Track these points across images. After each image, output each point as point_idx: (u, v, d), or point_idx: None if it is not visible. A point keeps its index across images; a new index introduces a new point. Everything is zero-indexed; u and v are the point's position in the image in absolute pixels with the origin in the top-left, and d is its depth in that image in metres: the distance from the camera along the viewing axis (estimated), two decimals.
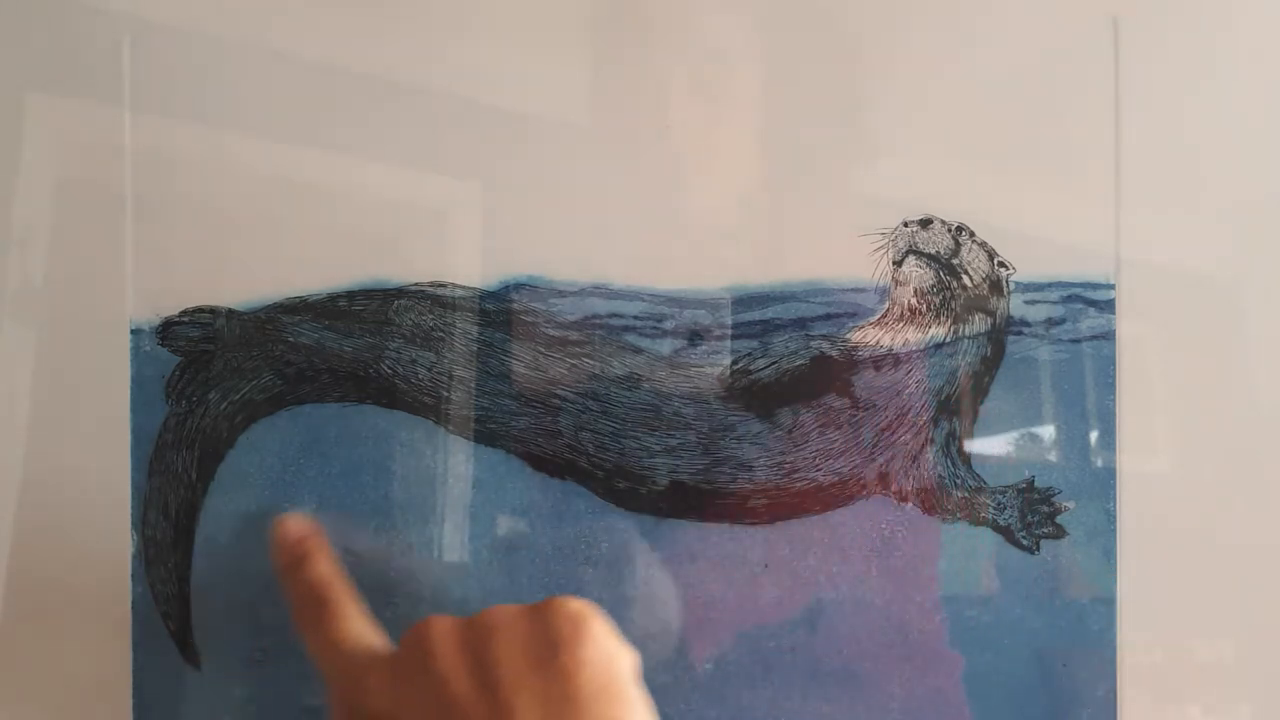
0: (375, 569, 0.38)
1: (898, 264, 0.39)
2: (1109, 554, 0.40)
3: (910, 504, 0.39)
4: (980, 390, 0.40)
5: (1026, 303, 0.40)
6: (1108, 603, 0.39)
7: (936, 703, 0.39)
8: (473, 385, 0.38)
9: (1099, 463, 0.40)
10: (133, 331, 0.37)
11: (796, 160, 0.39)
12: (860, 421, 0.39)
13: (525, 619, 0.30)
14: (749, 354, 0.39)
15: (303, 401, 0.38)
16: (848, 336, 0.39)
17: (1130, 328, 0.40)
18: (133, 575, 0.37)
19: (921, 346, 0.39)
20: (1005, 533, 0.40)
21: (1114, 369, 0.40)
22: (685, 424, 0.39)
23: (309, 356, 0.38)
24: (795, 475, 0.39)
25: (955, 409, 0.39)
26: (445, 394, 0.38)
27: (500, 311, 0.38)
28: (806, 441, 0.39)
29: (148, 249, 0.37)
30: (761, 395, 0.39)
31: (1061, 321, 0.40)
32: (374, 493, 0.38)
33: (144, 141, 0.37)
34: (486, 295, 0.38)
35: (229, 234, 0.37)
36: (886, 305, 0.39)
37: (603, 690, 0.28)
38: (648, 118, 0.39)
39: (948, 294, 0.39)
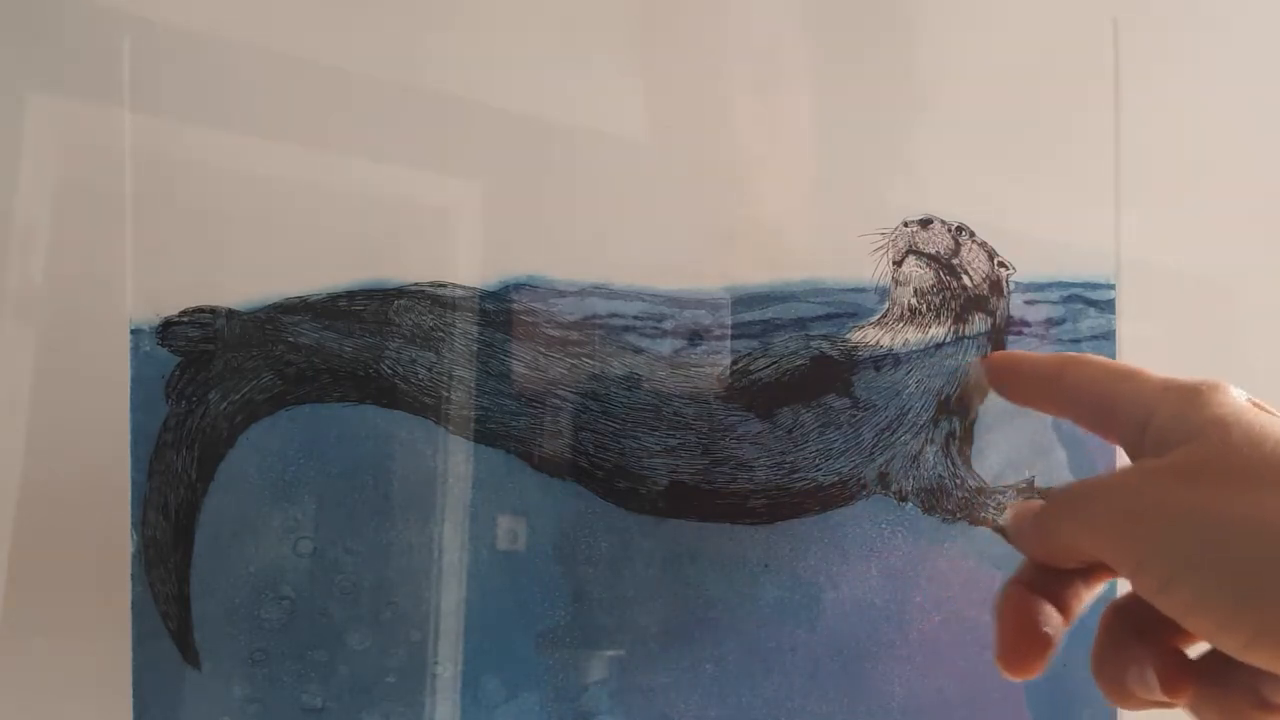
0: (375, 569, 0.38)
1: (898, 264, 0.39)
2: None
3: (910, 504, 0.39)
4: (980, 390, 0.40)
5: (1026, 303, 0.40)
6: (1108, 602, 0.39)
7: (936, 703, 0.39)
8: (473, 385, 0.38)
9: (1099, 463, 0.40)
10: (133, 331, 0.37)
11: (796, 161, 0.39)
12: (860, 421, 0.39)
13: None
14: (749, 354, 0.39)
15: (303, 401, 0.38)
16: (848, 336, 0.39)
17: (1130, 328, 0.40)
18: (133, 575, 0.37)
19: (921, 346, 0.39)
20: (1005, 533, 0.40)
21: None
22: (685, 424, 0.39)
23: (309, 356, 0.38)
24: (795, 475, 0.39)
25: (955, 409, 0.39)
26: (445, 394, 0.38)
27: (500, 311, 0.38)
28: (806, 441, 0.39)
29: (148, 249, 0.37)
30: (761, 395, 0.39)
31: (1061, 321, 0.40)
32: (374, 493, 0.38)
33: (144, 141, 0.37)
34: (486, 295, 0.38)
35: (229, 234, 0.37)
36: (886, 305, 0.39)
37: None
38: (648, 118, 0.39)
39: (948, 294, 0.39)
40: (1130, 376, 0.29)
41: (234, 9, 0.37)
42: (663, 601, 0.39)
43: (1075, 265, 0.40)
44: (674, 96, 0.39)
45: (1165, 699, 0.26)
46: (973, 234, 0.39)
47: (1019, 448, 0.40)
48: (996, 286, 0.40)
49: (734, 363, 0.39)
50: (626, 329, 0.39)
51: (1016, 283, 0.40)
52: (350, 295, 0.38)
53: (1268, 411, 0.26)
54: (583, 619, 0.38)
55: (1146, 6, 0.40)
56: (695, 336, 0.39)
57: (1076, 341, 0.40)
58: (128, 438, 0.37)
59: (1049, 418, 0.40)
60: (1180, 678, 0.26)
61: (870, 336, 0.39)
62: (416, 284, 0.38)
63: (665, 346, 0.39)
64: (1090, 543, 0.26)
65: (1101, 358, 0.31)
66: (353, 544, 0.38)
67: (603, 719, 0.39)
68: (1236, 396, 0.26)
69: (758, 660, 0.39)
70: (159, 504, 0.37)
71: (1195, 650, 0.27)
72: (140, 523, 0.37)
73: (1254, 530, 0.22)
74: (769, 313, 0.39)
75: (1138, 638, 0.27)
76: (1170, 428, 0.26)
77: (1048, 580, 0.30)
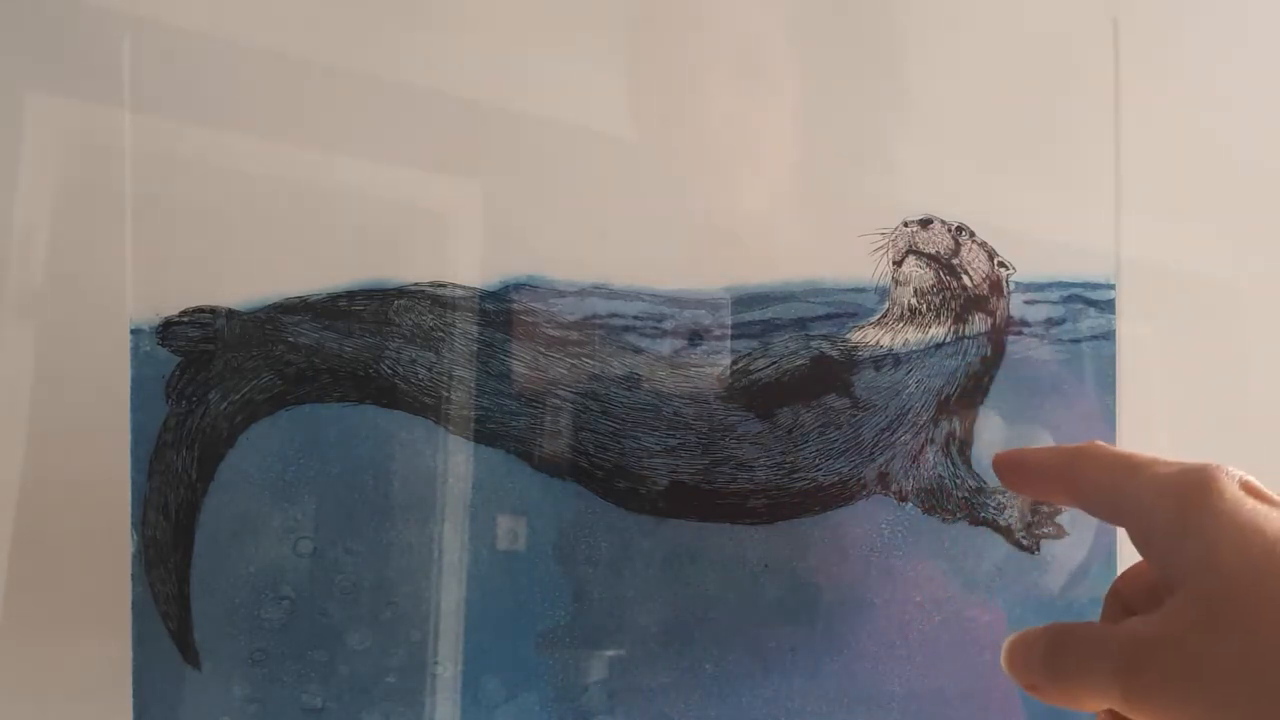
0: (375, 569, 0.38)
1: (898, 264, 0.39)
2: (1109, 554, 0.40)
3: (910, 504, 0.39)
4: (980, 390, 0.40)
5: (1026, 303, 0.40)
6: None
7: (936, 703, 0.39)
8: (473, 385, 0.38)
9: None
10: (133, 331, 0.37)
11: (797, 161, 0.39)
12: (860, 421, 0.39)
13: None
14: (749, 354, 0.39)
15: (303, 401, 0.38)
16: (848, 336, 0.39)
17: (1130, 328, 0.40)
18: (133, 575, 0.37)
19: (921, 346, 0.39)
20: (1005, 533, 0.40)
21: (1114, 369, 0.40)
22: (685, 424, 0.39)
23: (309, 356, 0.38)
24: (795, 475, 0.39)
25: (955, 409, 0.39)
26: (445, 394, 0.38)
27: (500, 311, 0.38)
28: (806, 441, 0.39)
29: (148, 249, 0.37)
30: (761, 395, 0.39)
31: (1061, 321, 0.40)
32: (374, 493, 0.38)
33: (144, 141, 0.37)
34: (486, 295, 0.38)
35: (229, 234, 0.37)
36: (886, 305, 0.39)
37: None
38: (647, 118, 0.39)
39: (948, 294, 0.39)
40: (1132, 473, 0.29)
41: (234, 9, 0.37)
42: (663, 601, 0.39)
43: (1075, 265, 0.40)
44: (674, 96, 0.39)
45: None
46: (973, 234, 0.39)
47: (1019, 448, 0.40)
48: (996, 286, 0.40)
49: (734, 363, 0.39)
50: (626, 329, 0.39)
51: (1016, 283, 0.40)
52: (350, 295, 0.38)
53: (1265, 499, 0.26)
54: (583, 619, 0.38)
55: (1146, 6, 0.40)
56: (695, 336, 0.39)
57: (1076, 341, 0.40)
58: (128, 438, 0.37)
59: (1050, 417, 0.40)
60: None
61: (870, 336, 0.39)
62: (416, 284, 0.38)
63: (665, 346, 0.39)
64: (1107, 704, 0.27)
65: (1108, 449, 0.30)
66: (353, 544, 0.38)
67: (602, 719, 0.39)
68: (1228, 501, 0.26)
69: (758, 660, 0.39)
70: (159, 504, 0.37)
71: None
72: (140, 523, 0.37)
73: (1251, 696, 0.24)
74: (769, 313, 0.39)
75: None
76: (1166, 559, 0.27)
77: None
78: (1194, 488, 0.27)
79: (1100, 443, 0.31)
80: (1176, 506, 0.27)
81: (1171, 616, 0.26)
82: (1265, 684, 0.24)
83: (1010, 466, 0.33)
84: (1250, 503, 0.26)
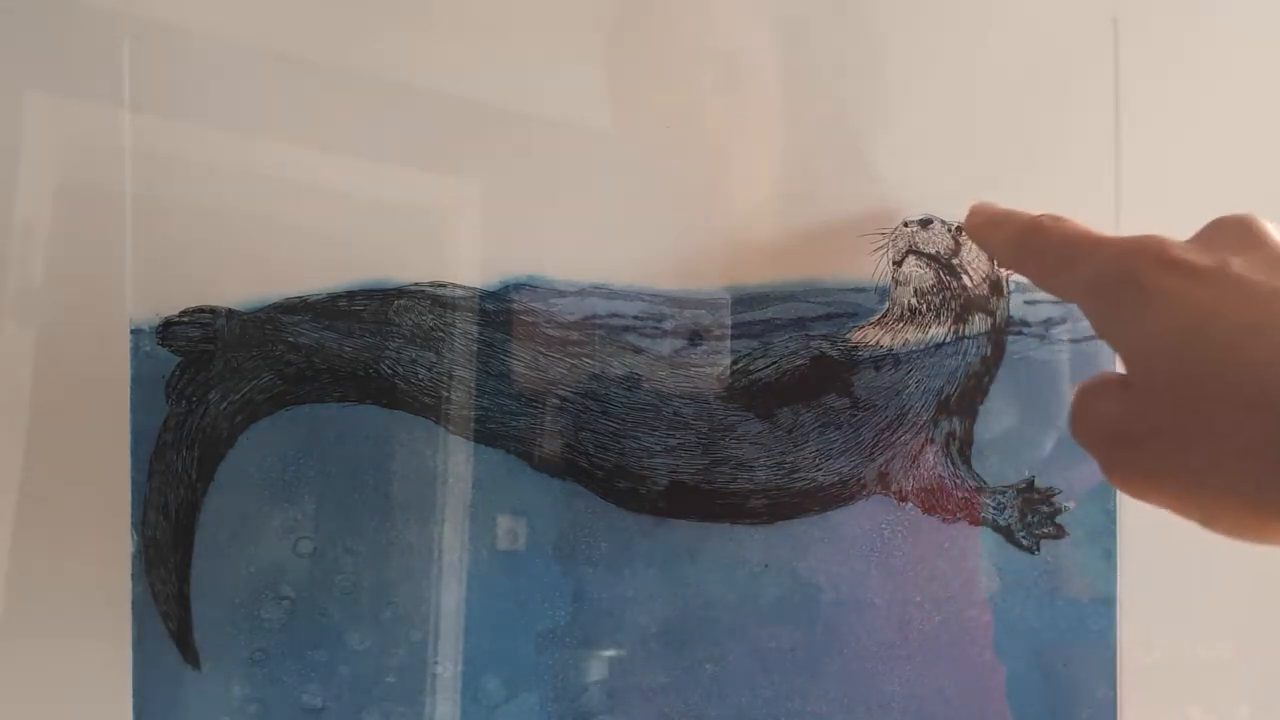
0: (375, 569, 0.38)
1: (898, 264, 0.39)
2: (1109, 554, 0.40)
3: (910, 504, 0.39)
4: (980, 390, 0.40)
5: (1026, 303, 0.40)
6: (1108, 603, 0.40)
7: (936, 703, 0.39)
8: (473, 385, 0.38)
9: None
10: (133, 331, 0.37)
11: (797, 160, 0.39)
12: (860, 421, 0.39)
13: None
14: (749, 354, 0.39)
15: (303, 401, 0.38)
16: (848, 336, 0.39)
17: None
18: (133, 575, 0.37)
19: (921, 346, 0.39)
20: (1005, 533, 0.40)
21: (1114, 369, 0.40)
22: (685, 424, 0.39)
23: (309, 356, 0.38)
24: (795, 475, 0.39)
25: (955, 409, 0.39)
26: (445, 394, 0.38)
27: (500, 311, 0.38)
28: (806, 441, 0.39)
29: (148, 249, 0.37)
30: (761, 395, 0.39)
31: (1061, 321, 0.40)
32: (374, 493, 0.38)
33: (144, 141, 0.37)
34: (486, 295, 0.38)
35: (229, 234, 0.37)
36: (886, 305, 0.39)
37: None
38: (648, 117, 0.39)
39: (948, 294, 0.39)
40: (1079, 257, 0.29)
41: (234, 9, 0.37)
42: (663, 601, 0.39)
43: None
44: (674, 96, 0.39)
45: None
46: None
47: (1019, 448, 0.40)
48: (996, 286, 0.40)
49: (734, 363, 0.39)
50: (626, 329, 0.39)
51: (1016, 283, 0.40)
52: (350, 295, 0.38)
53: (1192, 271, 0.26)
54: (583, 619, 0.38)
55: (1146, 6, 0.40)
56: (695, 336, 0.39)
57: (1076, 341, 0.40)
58: (128, 438, 0.37)
59: (1050, 418, 0.40)
60: None
61: (870, 336, 0.39)
62: (416, 284, 0.38)
63: (665, 346, 0.39)
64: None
65: (1059, 225, 0.30)
66: (353, 544, 0.38)
67: (602, 719, 0.39)
68: (1151, 288, 0.26)
69: (758, 660, 0.39)
70: (159, 504, 0.37)
71: None
72: (140, 523, 0.37)
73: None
74: (769, 313, 0.39)
75: None
76: (1116, 350, 0.27)
77: None
78: (1125, 273, 0.27)
79: (1055, 216, 0.31)
80: (1113, 297, 0.27)
81: (1127, 407, 0.27)
82: (1201, 476, 0.24)
83: (975, 230, 0.34)
84: (1176, 283, 0.26)
